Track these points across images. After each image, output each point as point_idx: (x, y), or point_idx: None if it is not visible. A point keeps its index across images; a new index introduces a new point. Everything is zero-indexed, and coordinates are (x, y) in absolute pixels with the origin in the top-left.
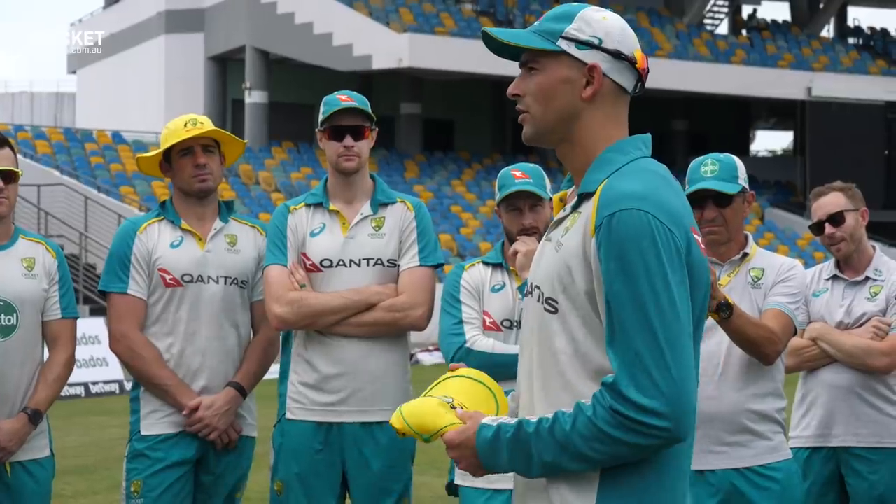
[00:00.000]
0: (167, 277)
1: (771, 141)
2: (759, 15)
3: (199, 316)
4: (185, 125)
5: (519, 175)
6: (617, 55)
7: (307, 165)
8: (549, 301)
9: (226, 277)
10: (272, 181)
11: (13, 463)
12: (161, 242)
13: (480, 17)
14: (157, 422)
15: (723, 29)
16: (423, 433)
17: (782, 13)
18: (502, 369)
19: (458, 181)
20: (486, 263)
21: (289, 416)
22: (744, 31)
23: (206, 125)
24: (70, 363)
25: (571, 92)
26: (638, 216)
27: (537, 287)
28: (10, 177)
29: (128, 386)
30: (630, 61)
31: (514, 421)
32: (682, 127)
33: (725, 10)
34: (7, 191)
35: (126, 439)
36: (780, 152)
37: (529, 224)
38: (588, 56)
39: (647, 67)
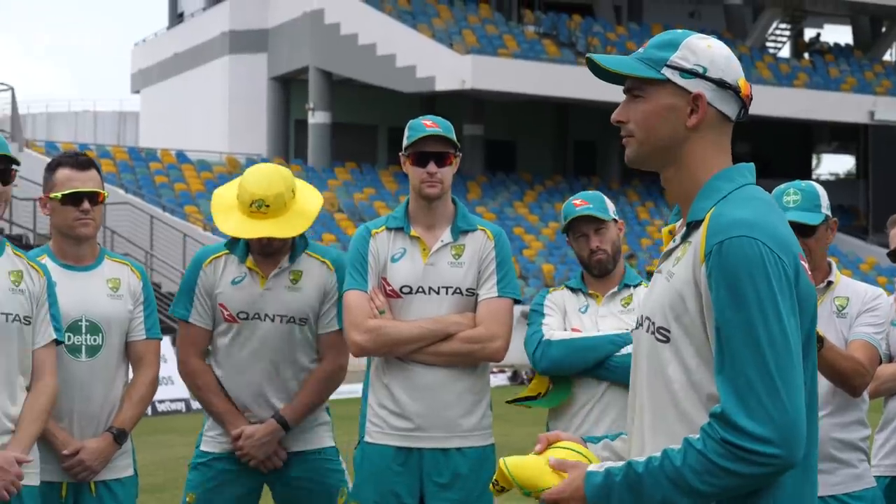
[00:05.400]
0: (225, 313)
1: (833, 164)
2: (822, 38)
3: (251, 352)
4: (251, 206)
5: (579, 203)
6: (721, 84)
7: (370, 186)
8: (661, 330)
9: (282, 316)
10: (335, 202)
11: (97, 482)
12: (224, 278)
13: (543, 38)
14: (215, 441)
15: (785, 52)
16: (525, 487)
17: (845, 37)
18: (585, 353)
19: (521, 203)
20: (569, 289)
21: (368, 439)
22: (806, 55)
23: (273, 214)
24: (154, 383)
25: (676, 120)
26: (748, 243)
27: (648, 318)
28: (96, 198)
29: (195, 405)
30: (734, 90)
31: (621, 463)
32: (745, 150)
33: (788, 33)
34: (93, 212)
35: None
36: (842, 176)
37: (596, 246)
38: (692, 85)
39: (751, 95)
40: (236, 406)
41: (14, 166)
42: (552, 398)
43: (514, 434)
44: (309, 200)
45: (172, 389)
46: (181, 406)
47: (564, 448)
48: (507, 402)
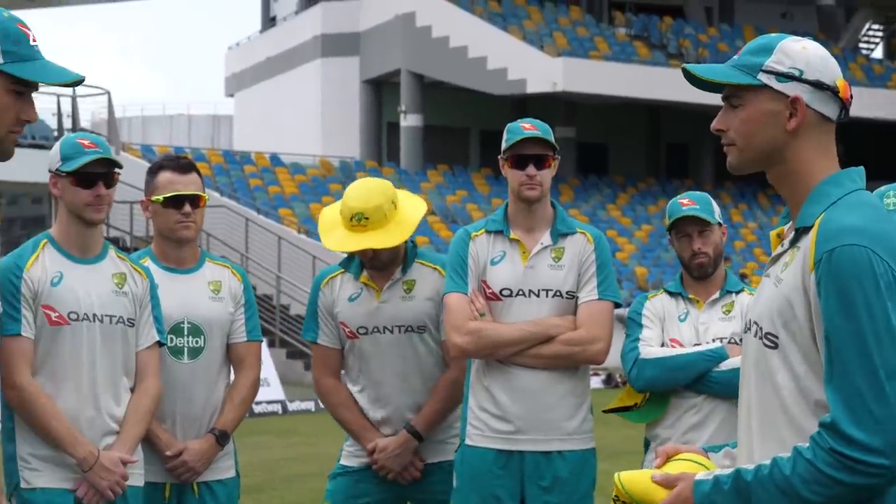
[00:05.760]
0: (346, 330)
1: None
2: None
3: (378, 366)
4: (351, 220)
5: (686, 202)
6: (818, 85)
7: (462, 189)
8: (769, 336)
9: (400, 326)
10: (428, 204)
11: (200, 483)
12: (341, 296)
13: (634, 41)
14: (353, 455)
15: (878, 53)
16: (640, 501)
17: None
18: (680, 372)
19: (613, 205)
20: (668, 293)
21: (468, 442)
22: None
23: (372, 226)
24: (256, 385)
25: (775, 125)
26: (858, 252)
27: (755, 322)
28: (197, 201)
29: (290, 406)
30: (832, 90)
31: (729, 471)
32: (839, 152)
33: (881, 34)
34: (194, 215)
35: (290, 459)
36: None
37: (698, 248)
38: (789, 88)
39: (851, 95)
40: (370, 421)
41: (116, 169)
42: (647, 413)
43: (611, 437)
44: (410, 211)
45: (269, 391)
46: (278, 408)
47: (685, 460)
48: (604, 411)
